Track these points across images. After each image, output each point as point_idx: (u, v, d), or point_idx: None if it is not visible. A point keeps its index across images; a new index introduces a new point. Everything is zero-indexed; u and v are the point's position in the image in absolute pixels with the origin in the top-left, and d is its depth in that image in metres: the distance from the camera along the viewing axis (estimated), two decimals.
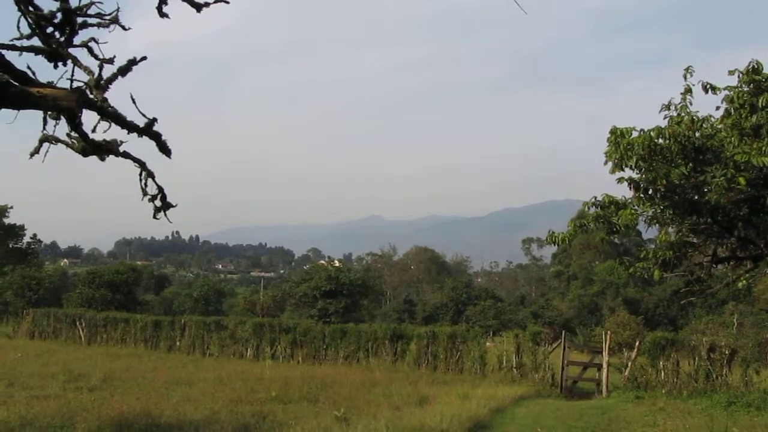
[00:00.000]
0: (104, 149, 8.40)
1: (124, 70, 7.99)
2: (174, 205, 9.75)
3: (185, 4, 8.05)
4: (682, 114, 10.70)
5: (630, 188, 10.81)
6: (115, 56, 8.14)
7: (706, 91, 10.72)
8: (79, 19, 7.77)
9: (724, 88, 10.56)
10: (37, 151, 8.86)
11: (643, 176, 10.51)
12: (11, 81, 6.61)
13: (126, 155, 8.77)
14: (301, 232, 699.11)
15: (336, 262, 76.45)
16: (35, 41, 7.52)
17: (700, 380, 20.39)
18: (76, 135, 8.32)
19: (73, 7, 7.54)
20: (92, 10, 7.89)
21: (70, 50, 7.73)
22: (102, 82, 7.87)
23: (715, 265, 12.48)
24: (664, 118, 10.86)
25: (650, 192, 10.70)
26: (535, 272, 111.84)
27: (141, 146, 8.68)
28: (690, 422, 15.05)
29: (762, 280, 42.63)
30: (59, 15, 7.46)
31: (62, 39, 7.60)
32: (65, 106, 7.02)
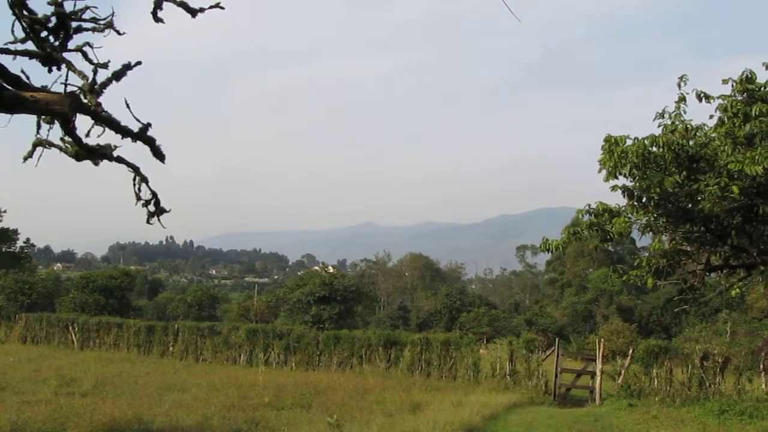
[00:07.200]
0: (98, 154, 8.37)
1: (118, 75, 7.96)
2: (168, 210, 9.71)
3: (180, 10, 8.04)
4: (676, 122, 10.76)
5: (624, 196, 10.86)
6: (109, 61, 8.12)
7: (700, 100, 10.77)
8: (74, 24, 7.75)
9: (718, 97, 10.61)
10: (30, 155, 8.82)
11: (637, 184, 10.55)
12: (5, 85, 6.59)
13: (120, 160, 8.74)
14: (296, 238, 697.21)
15: (330, 268, 76.42)
16: (29, 45, 7.49)
17: (693, 388, 20.41)
18: (70, 139, 8.29)
19: (67, 11, 7.53)
20: (87, 15, 7.86)
21: (65, 54, 7.70)
22: (96, 86, 7.83)
23: (708, 274, 12.54)
24: (659, 126, 10.92)
25: (644, 200, 10.74)
26: (530, 279, 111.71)
27: (135, 151, 8.66)
28: (683, 430, 15.10)
29: (755, 288, 42.73)
30: (54, 19, 7.44)
31: (56, 43, 7.57)
32: (59, 110, 6.99)
